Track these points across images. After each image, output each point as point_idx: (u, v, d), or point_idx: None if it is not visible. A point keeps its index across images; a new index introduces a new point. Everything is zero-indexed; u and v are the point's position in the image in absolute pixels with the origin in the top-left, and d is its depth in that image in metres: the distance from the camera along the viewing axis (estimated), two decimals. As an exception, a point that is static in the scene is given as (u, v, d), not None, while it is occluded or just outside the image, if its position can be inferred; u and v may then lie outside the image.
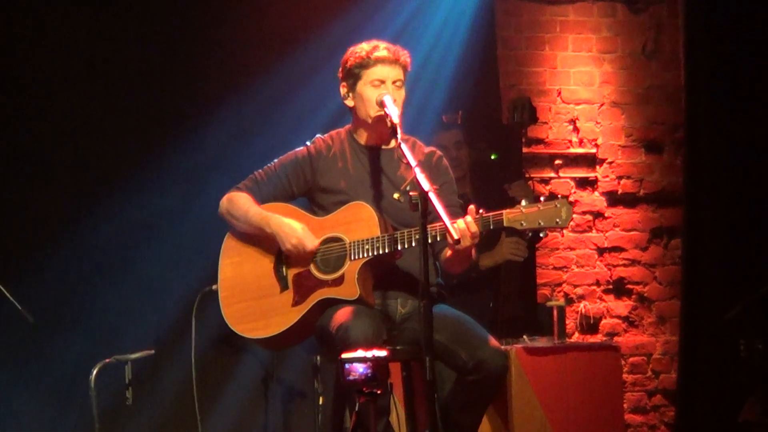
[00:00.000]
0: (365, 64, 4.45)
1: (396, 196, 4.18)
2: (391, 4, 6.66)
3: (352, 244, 4.32)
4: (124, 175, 6.25)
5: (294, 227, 4.38)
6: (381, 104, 4.36)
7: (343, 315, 4.19)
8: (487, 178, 6.22)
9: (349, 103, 4.53)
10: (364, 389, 3.81)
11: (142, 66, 6.37)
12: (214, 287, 4.59)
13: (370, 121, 4.45)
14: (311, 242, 4.37)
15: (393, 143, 4.45)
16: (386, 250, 4.26)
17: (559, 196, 4.16)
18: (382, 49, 4.47)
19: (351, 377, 3.79)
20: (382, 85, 4.42)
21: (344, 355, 3.83)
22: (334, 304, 4.32)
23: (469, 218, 4.10)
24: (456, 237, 4.00)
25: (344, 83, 4.53)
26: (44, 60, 6.25)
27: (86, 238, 6.16)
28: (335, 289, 4.33)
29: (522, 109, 6.22)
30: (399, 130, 4.23)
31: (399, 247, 4.25)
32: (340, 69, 4.55)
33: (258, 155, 4.79)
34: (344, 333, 4.09)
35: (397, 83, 4.44)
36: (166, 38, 6.41)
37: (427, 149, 4.57)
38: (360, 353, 3.81)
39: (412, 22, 6.70)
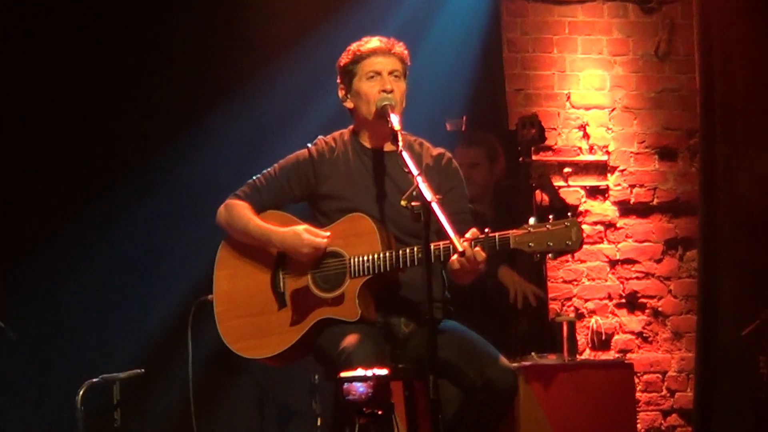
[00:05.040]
0: (357, 58, 4.37)
1: (403, 203, 4.03)
2: (393, 6, 6.61)
3: (351, 261, 4.24)
4: (114, 188, 6.23)
5: (297, 234, 4.28)
6: (383, 113, 4.24)
7: (344, 338, 4.13)
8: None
9: (349, 104, 4.44)
10: (365, 409, 3.76)
11: (144, 67, 6.36)
12: (209, 297, 4.53)
13: (370, 118, 4.33)
14: (321, 239, 4.26)
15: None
16: (388, 269, 4.17)
17: (569, 214, 4.05)
18: (373, 40, 4.39)
19: (350, 397, 3.75)
20: (378, 77, 4.31)
21: (343, 374, 3.80)
22: (333, 324, 4.26)
23: (476, 248, 4.00)
24: (460, 249, 3.90)
25: (341, 85, 4.45)
26: (46, 60, 6.22)
27: (72, 252, 6.11)
28: (335, 309, 4.26)
29: (531, 127, 6.21)
30: (400, 137, 4.11)
31: (401, 266, 4.17)
32: (337, 73, 4.45)
33: (257, 167, 4.69)
34: (346, 358, 4.03)
35: (395, 73, 4.33)
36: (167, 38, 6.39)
37: (436, 151, 4.46)
38: (360, 372, 3.78)
39: (415, 24, 6.62)
